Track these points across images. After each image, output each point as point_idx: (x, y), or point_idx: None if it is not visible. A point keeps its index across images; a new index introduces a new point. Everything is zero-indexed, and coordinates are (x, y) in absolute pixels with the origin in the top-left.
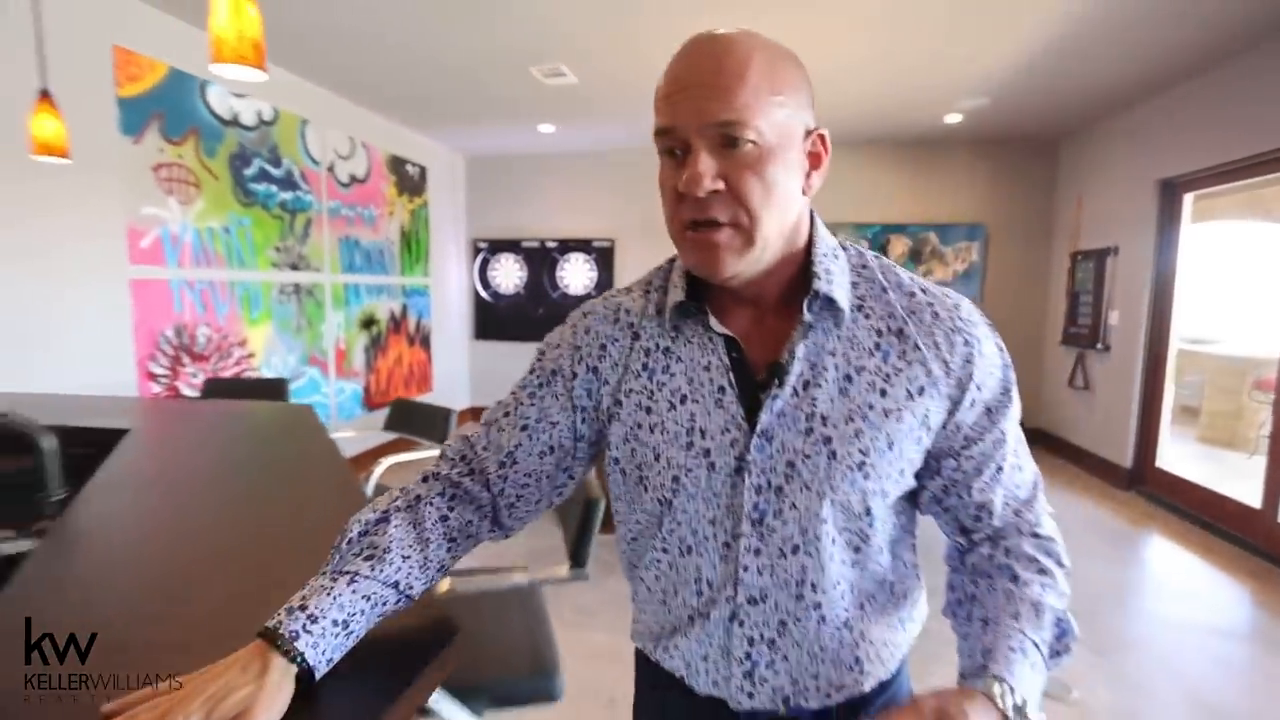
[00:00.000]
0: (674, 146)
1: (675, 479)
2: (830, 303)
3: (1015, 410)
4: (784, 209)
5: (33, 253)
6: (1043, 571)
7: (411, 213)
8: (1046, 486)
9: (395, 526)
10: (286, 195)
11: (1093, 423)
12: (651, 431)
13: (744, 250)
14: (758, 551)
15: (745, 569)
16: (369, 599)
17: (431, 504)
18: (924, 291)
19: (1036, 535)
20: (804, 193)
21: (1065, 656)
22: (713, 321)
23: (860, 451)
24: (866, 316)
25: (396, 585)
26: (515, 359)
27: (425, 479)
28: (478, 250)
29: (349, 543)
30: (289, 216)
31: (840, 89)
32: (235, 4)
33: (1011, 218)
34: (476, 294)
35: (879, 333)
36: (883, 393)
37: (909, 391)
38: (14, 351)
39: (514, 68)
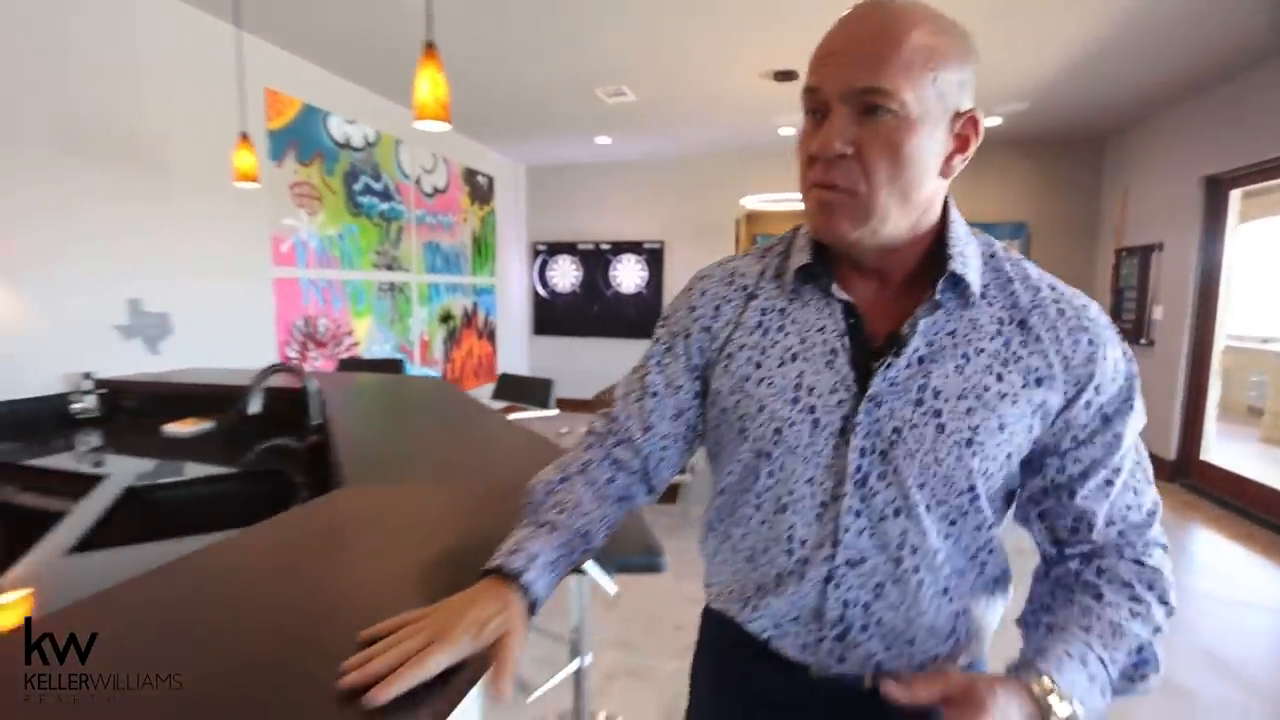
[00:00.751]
0: (816, 108)
1: (777, 430)
2: (960, 284)
3: (1135, 423)
4: (913, 185)
5: (210, 256)
6: (1135, 599)
7: (481, 219)
8: None
9: (578, 487)
10: (384, 206)
11: None
12: (759, 385)
13: (860, 218)
14: (859, 513)
15: (846, 530)
16: (567, 545)
17: (600, 468)
18: (1052, 288)
19: (1140, 563)
20: (943, 174)
21: (1139, 686)
22: (835, 287)
23: (970, 429)
24: (990, 304)
25: (585, 535)
26: (571, 353)
27: (588, 448)
28: (537, 252)
29: (539, 500)
30: (386, 224)
31: None
32: (434, 78)
33: (1055, 215)
34: (536, 293)
35: (1001, 321)
36: (999, 376)
37: (1025, 380)
38: (192, 334)
39: (581, 90)
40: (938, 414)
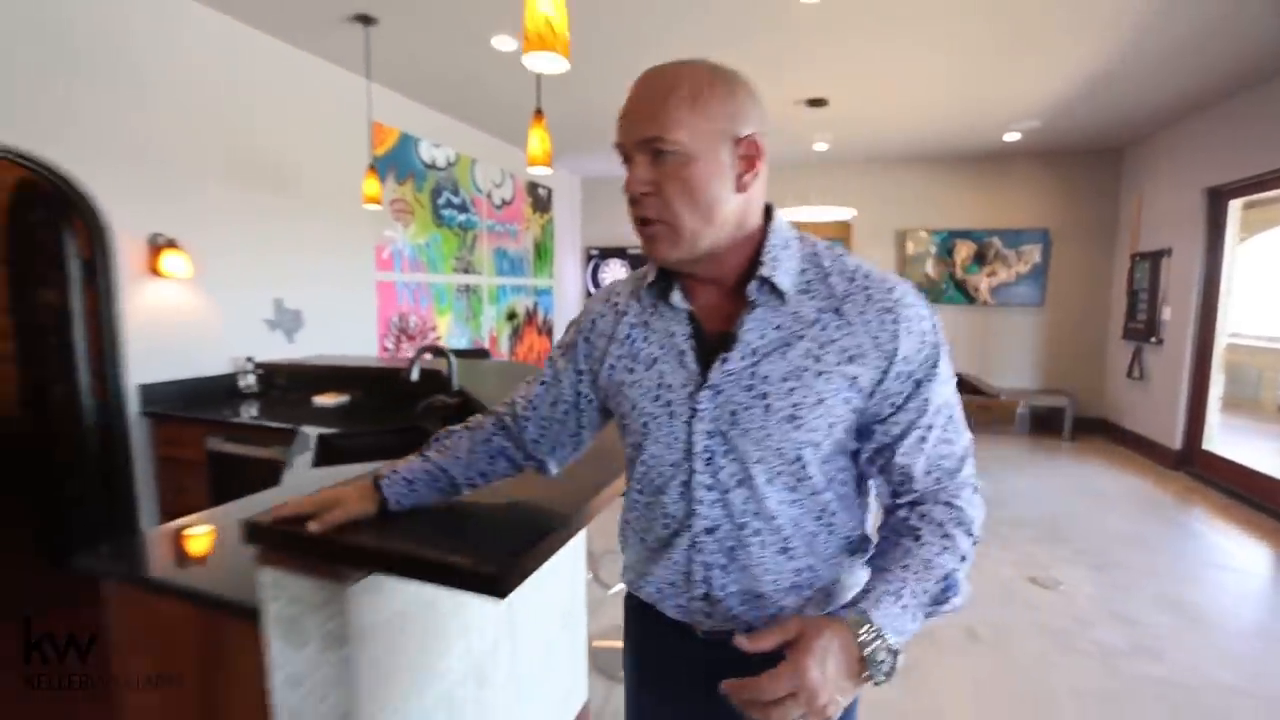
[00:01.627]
0: (624, 158)
1: (644, 424)
2: (771, 285)
3: (942, 386)
4: (711, 206)
5: (330, 263)
6: (945, 536)
7: (541, 226)
8: (1100, 468)
9: (460, 437)
10: (462, 217)
11: (1146, 409)
12: (631, 388)
13: (675, 241)
14: (710, 487)
15: (700, 502)
16: (428, 473)
17: (485, 429)
18: (866, 277)
19: (950, 504)
20: (739, 190)
21: (945, 608)
22: (675, 297)
23: (792, 406)
24: (812, 297)
25: (446, 472)
26: None
27: (490, 415)
28: (590, 256)
29: (436, 439)
30: (463, 234)
31: (910, 113)
32: (541, 136)
33: (1075, 222)
34: (588, 293)
35: (820, 310)
36: (816, 358)
37: (840, 358)
38: (317, 327)
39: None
40: (765, 396)
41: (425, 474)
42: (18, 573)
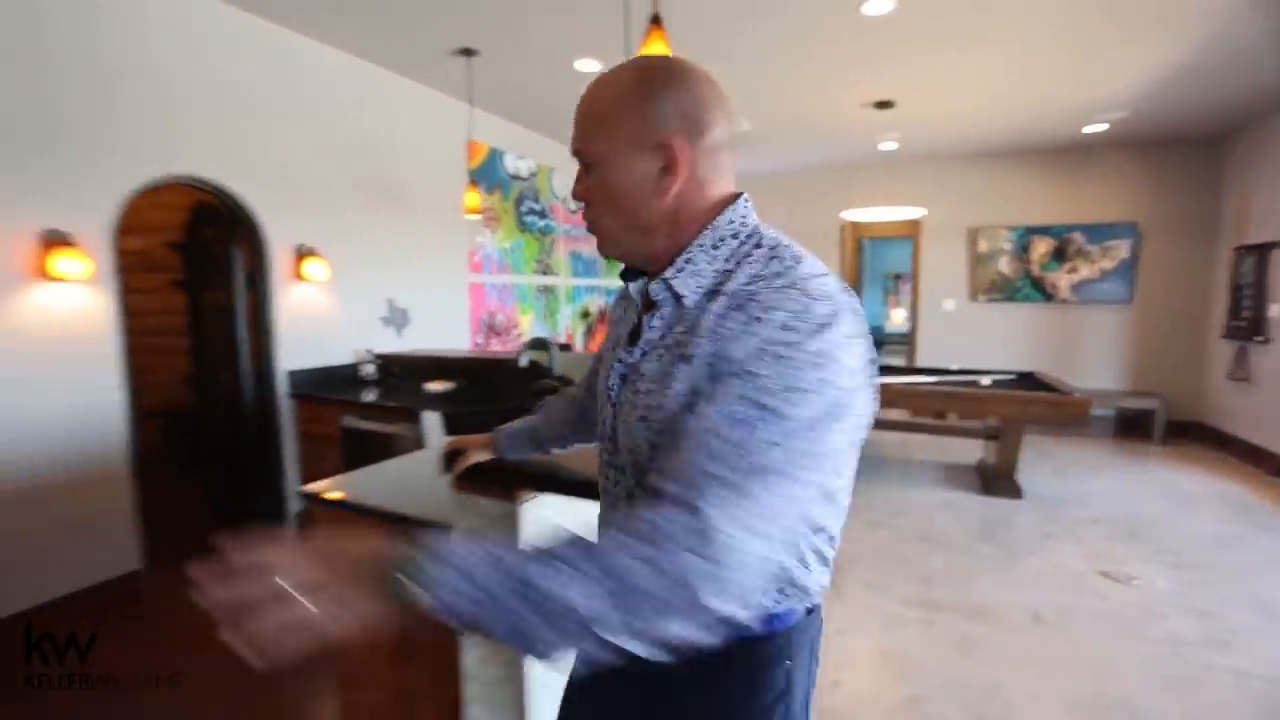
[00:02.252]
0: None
1: (600, 399)
2: (671, 289)
3: (724, 404)
4: (633, 213)
5: (432, 267)
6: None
7: None
8: (1192, 473)
9: (553, 406)
10: (542, 223)
11: (1252, 413)
12: (602, 365)
13: (609, 245)
14: (609, 463)
15: (605, 476)
16: (525, 432)
17: (568, 400)
18: (764, 285)
19: (623, 528)
20: (660, 196)
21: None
22: (631, 286)
23: (645, 407)
24: (721, 298)
25: (536, 432)
26: None
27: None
28: None
29: (542, 404)
30: (543, 238)
31: (982, 109)
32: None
33: (1169, 215)
34: None
35: (721, 315)
36: (673, 362)
37: (695, 368)
38: (421, 323)
39: None
40: (636, 392)
41: (523, 432)
42: (194, 523)
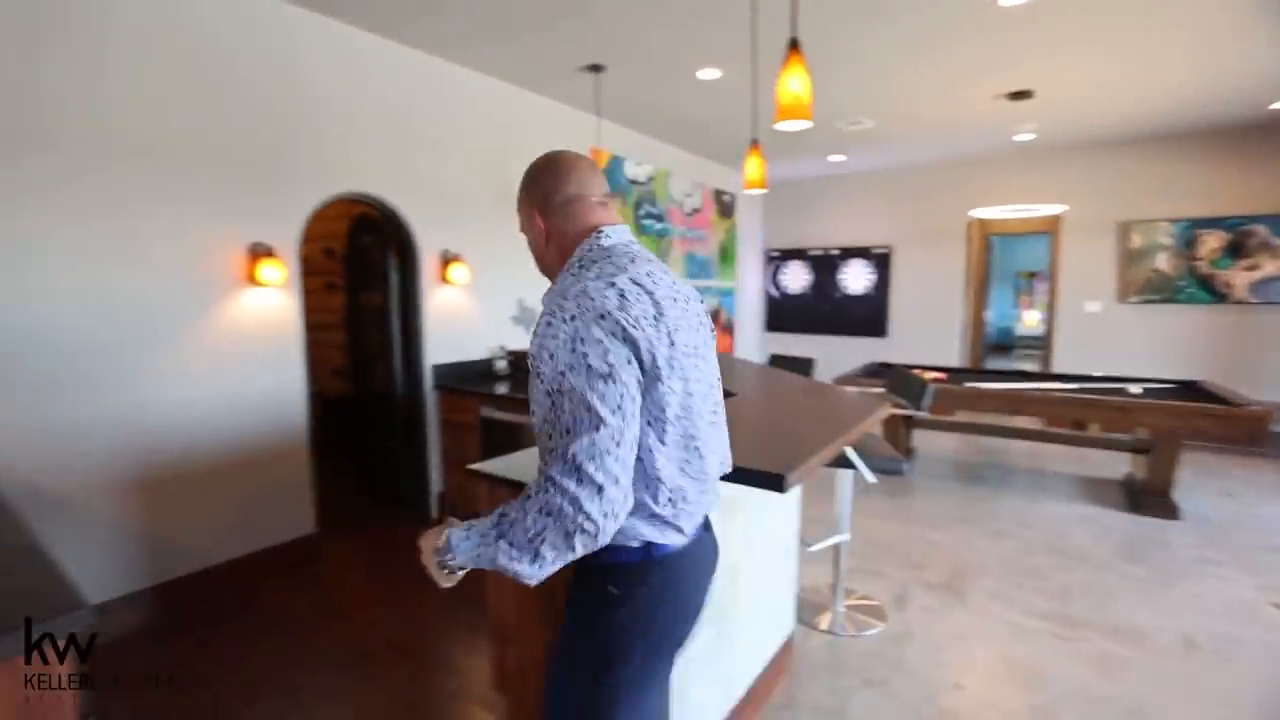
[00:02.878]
0: None
1: None
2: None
3: (545, 384)
4: (536, 253)
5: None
6: (525, 497)
7: (726, 231)
8: None
9: None
10: (659, 226)
11: None
12: None
13: (542, 271)
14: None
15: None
16: None
17: None
18: (548, 294)
19: (541, 473)
20: (541, 242)
21: (502, 543)
22: None
23: (530, 394)
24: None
25: None
26: (799, 347)
27: None
28: (771, 258)
29: None
30: (659, 240)
31: (1136, 93)
32: (758, 163)
33: None
34: (769, 294)
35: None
36: (534, 357)
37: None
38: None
39: (822, 125)
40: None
41: None
42: (349, 499)
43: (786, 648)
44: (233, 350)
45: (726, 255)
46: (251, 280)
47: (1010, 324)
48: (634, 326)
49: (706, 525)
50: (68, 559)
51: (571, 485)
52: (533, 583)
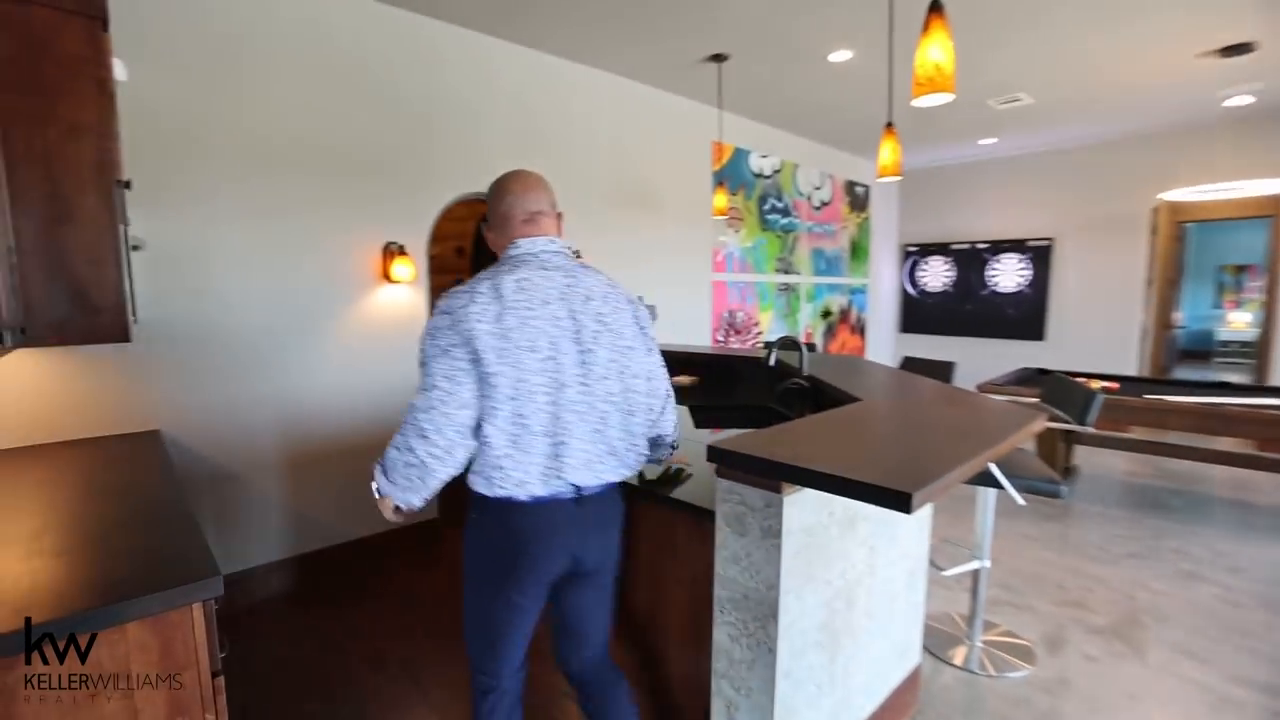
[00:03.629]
0: None
1: None
2: None
3: (419, 359)
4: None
5: (677, 266)
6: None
7: (858, 225)
8: None
9: None
10: (784, 221)
11: None
12: None
13: None
14: None
15: None
16: None
17: None
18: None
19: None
20: (490, 242)
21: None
22: None
23: None
24: None
25: None
26: (936, 349)
27: None
28: (908, 254)
29: None
30: (784, 236)
31: None
32: (893, 148)
33: None
34: (905, 292)
35: None
36: None
37: None
38: (667, 320)
39: (970, 105)
40: None
41: None
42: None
43: (912, 681)
44: (367, 343)
45: (858, 251)
46: (385, 278)
47: (1209, 327)
48: (465, 321)
49: (576, 492)
50: (226, 526)
51: (410, 432)
52: (407, 505)
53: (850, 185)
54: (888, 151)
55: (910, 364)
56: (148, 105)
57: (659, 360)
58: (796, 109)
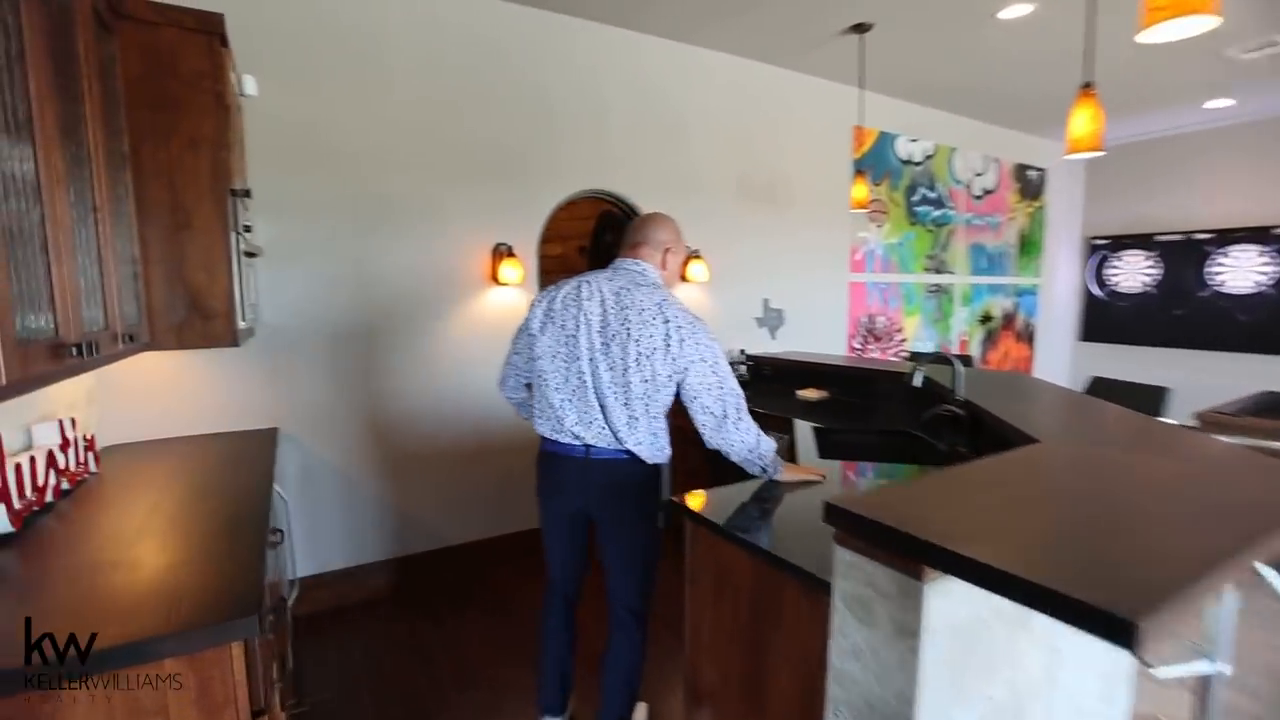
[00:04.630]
0: None
1: None
2: None
3: None
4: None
5: (810, 266)
6: None
7: (1029, 216)
8: None
9: None
10: (936, 213)
11: None
12: None
13: None
14: None
15: None
16: None
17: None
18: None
19: None
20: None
21: None
22: None
23: None
24: None
25: None
26: (1129, 363)
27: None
28: (1094, 248)
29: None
30: (936, 230)
31: None
32: (1091, 115)
33: None
34: (1088, 294)
35: None
36: None
37: None
38: (795, 325)
39: (1205, 52)
40: None
41: None
42: None
43: None
44: (474, 347)
45: (1029, 245)
46: (494, 280)
47: None
48: (528, 318)
49: (585, 450)
50: (330, 522)
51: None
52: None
53: (1021, 169)
54: (1083, 121)
55: (1101, 387)
56: (273, 117)
57: (698, 376)
58: (955, 82)
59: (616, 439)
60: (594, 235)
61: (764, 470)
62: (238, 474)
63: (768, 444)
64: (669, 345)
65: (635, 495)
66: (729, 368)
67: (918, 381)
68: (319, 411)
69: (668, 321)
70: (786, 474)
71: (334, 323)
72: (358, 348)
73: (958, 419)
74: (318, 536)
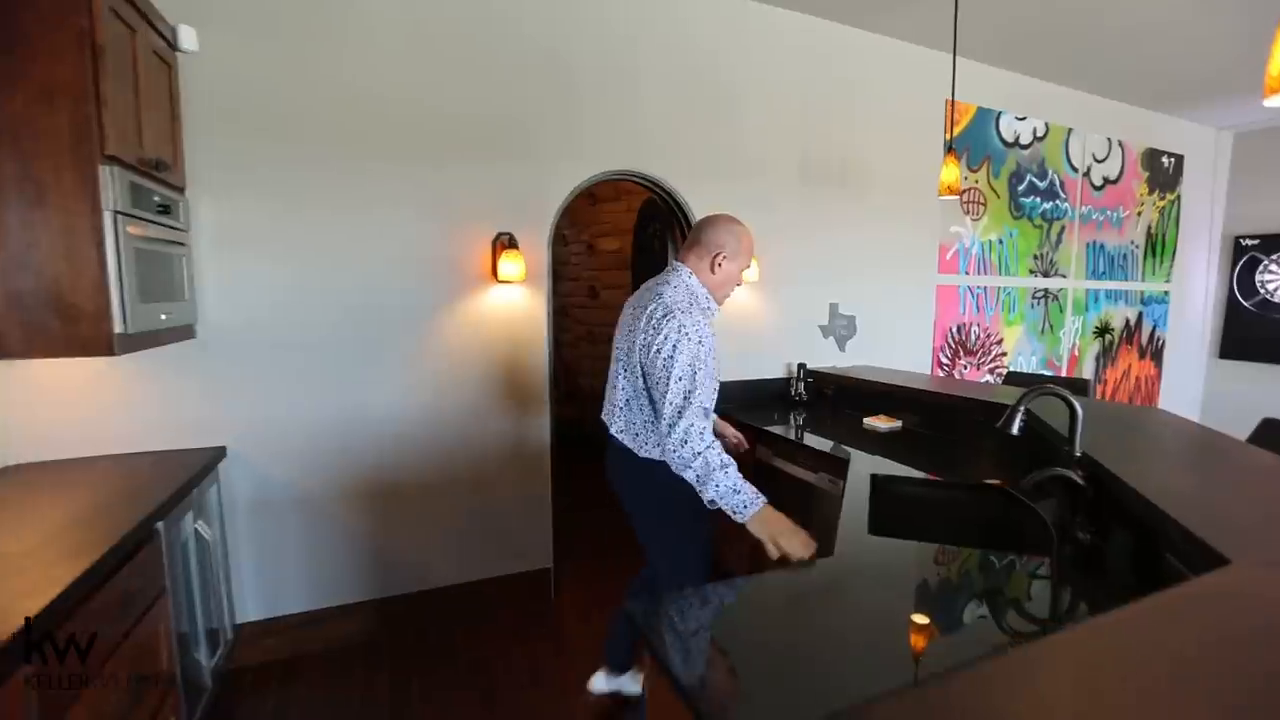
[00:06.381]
0: None
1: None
2: None
3: None
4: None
5: (890, 265)
6: None
7: (1160, 210)
8: None
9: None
10: (1046, 205)
11: None
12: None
13: None
14: None
15: None
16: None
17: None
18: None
19: None
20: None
21: None
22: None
23: None
24: None
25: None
26: (1272, 384)
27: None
28: (1244, 248)
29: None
30: (1046, 225)
31: None
32: None
33: None
34: (1232, 303)
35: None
36: None
37: None
38: (869, 335)
39: None
40: None
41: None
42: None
43: None
44: (472, 355)
45: (1160, 245)
46: (494, 276)
47: None
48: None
49: (621, 448)
50: (292, 558)
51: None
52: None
53: (1152, 155)
54: None
55: (1276, 432)
56: (223, 77)
57: (649, 365)
58: (1076, 47)
59: (622, 429)
60: (635, 227)
61: (711, 503)
62: (131, 507)
63: (719, 469)
64: (644, 332)
65: (642, 487)
66: (694, 364)
67: (1016, 429)
68: (276, 428)
69: (649, 318)
70: (759, 525)
71: (297, 324)
72: (325, 354)
73: (1075, 488)
74: (270, 575)
